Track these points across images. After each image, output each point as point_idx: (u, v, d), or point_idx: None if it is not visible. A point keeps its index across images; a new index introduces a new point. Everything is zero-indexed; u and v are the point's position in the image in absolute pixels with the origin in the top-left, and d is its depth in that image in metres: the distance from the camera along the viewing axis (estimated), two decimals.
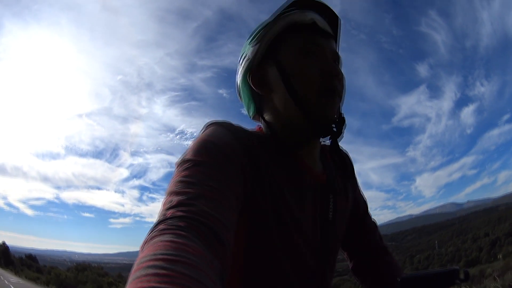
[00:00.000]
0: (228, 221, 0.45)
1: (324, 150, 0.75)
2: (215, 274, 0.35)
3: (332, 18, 0.70)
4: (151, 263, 0.32)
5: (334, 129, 0.66)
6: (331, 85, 0.63)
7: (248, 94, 0.71)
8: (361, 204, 0.84)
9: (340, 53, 0.71)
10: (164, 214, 0.42)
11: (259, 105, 0.71)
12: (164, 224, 0.40)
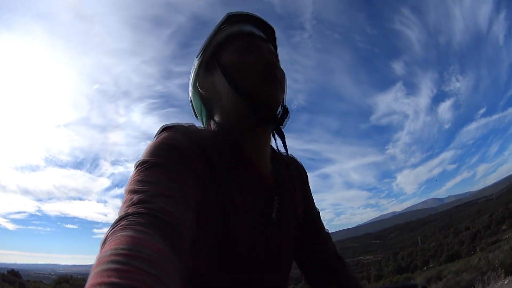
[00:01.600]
0: (187, 218, 0.46)
1: (275, 154, 0.78)
2: (174, 272, 0.36)
3: (268, 30, 0.77)
4: (112, 257, 0.32)
5: (280, 118, 0.70)
6: (270, 73, 0.68)
7: (199, 103, 0.77)
8: (314, 214, 0.86)
9: (285, 60, 0.81)
10: (126, 211, 0.43)
11: (209, 110, 0.76)
12: (125, 220, 0.40)
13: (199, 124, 0.79)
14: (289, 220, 0.73)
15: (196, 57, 0.75)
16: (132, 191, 0.47)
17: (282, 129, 0.72)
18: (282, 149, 0.75)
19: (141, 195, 0.45)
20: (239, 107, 0.68)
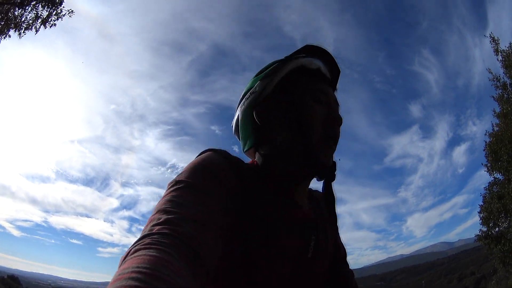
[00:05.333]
0: (212, 246, 0.45)
1: (310, 193, 0.78)
2: None
3: (333, 68, 0.75)
4: (133, 275, 0.32)
5: (329, 173, 0.69)
6: (335, 132, 0.67)
7: (249, 127, 0.72)
8: (341, 251, 0.85)
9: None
10: (151, 230, 0.42)
11: (257, 139, 0.71)
12: (149, 239, 0.40)
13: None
14: (322, 259, 0.71)
15: (259, 77, 0.71)
16: (161, 211, 0.46)
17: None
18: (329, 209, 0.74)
19: (169, 215, 0.45)
20: (295, 150, 0.65)
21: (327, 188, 0.71)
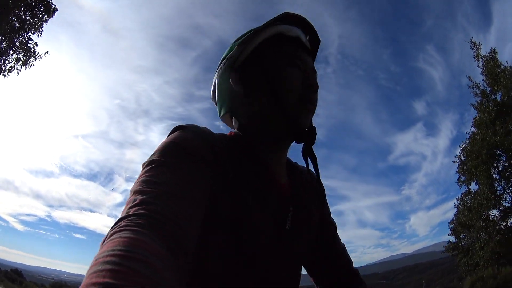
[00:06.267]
0: (189, 221, 0.45)
1: (291, 165, 0.77)
2: (170, 273, 0.35)
3: (313, 39, 0.74)
4: (108, 258, 0.32)
5: (308, 136, 0.69)
6: (311, 96, 0.67)
7: (224, 92, 0.72)
8: (330, 226, 0.83)
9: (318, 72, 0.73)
10: (128, 212, 0.42)
11: (232, 104, 0.72)
12: (125, 221, 0.40)
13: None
14: (303, 232, 0.70)
15: (236, 43, 0.70)
16: (136, 192, 0.46)
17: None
18: (312, 170, 0.76)
19: (144, 196, 0.45)
20: (271, 114, 0.66)
21: (307, 150, 0.71)
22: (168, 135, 0.61)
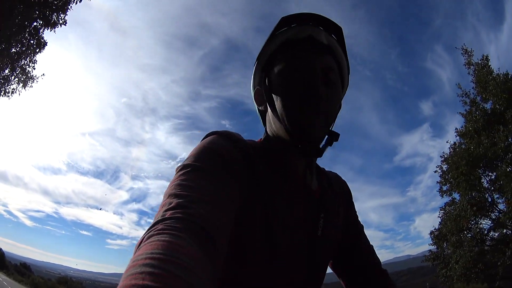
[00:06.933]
0: (224, 225, 0.46)
1: (320, 170, 0.79)
2: (207, 277, 0.36)
3: (333, 29, 0.69)
4: (147, 261, 0.32)
5: (318, 149, 0.65)
6: (310, 104, 0.62)
7: (258, 111, 0.78)
8: (358, 226, 0.85)
9: (350, 63, 0.71)
10: (163, 215, 0.42)
11: (263, 120, 0.77)
12: (162, 224, 0.40)
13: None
14: (333, 237, 0.72)
15: (254, 65, 0.73)
16: (171, 195, 0.47)
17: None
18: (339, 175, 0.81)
19: (179, 199, 0.45)
20: (279, 129, 0.67)
21: (312, 161, 0.72)
22: (202, 140, 0.63)
